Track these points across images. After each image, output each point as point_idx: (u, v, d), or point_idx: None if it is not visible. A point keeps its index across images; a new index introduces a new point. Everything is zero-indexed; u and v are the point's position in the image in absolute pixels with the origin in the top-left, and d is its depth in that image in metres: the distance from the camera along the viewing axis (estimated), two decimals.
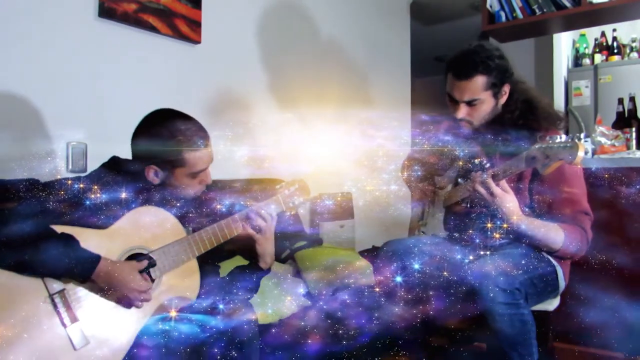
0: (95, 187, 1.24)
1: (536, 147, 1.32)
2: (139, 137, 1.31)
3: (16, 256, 1.05)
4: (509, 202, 1.42)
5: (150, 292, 1.20)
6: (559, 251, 1.48)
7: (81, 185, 1.24)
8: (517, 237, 1.53)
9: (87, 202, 1.21)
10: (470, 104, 1.57)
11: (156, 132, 1.29)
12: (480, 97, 1.55)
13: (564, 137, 1.27)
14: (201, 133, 1.33)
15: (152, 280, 1.24)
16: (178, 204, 1.34)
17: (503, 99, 1.60)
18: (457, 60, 1.58)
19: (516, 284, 1.40)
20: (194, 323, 1.16)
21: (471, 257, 1.53)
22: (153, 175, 1.30)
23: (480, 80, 1.53)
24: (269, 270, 1.45)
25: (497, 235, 1.58)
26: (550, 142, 1.28)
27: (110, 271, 1.13)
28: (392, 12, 3.54)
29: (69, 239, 1.11)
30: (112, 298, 1.17)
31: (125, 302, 1.17)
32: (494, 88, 1.56)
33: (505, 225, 1.48)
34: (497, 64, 1.54)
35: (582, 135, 1.26)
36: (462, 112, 1.58)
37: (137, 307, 1.19)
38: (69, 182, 1.26)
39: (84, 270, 1.10)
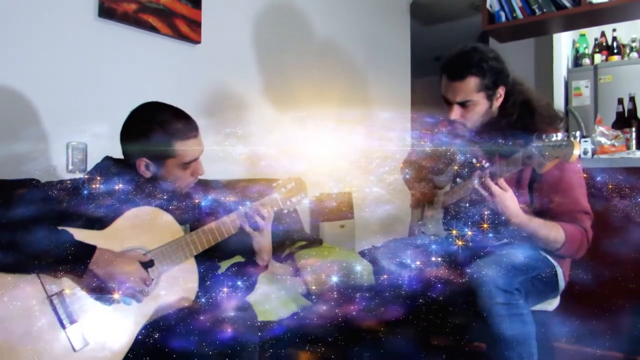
0: (91, 188, 1.24)
1: (533, 145, 1.31)
2: (127, 132, 1.31)
3: (14, 254, 1.04)
4: (508, 200, 1.41)
5: (151, 284, 1.19)
6: (560, 250, 1.48)
7: (77, 187, 1.24)
8: (517, 236, 1.53)
9: (84, 204, 1.21)
10: (463, 105, 1.55)
11: (143, 125, 1.29)
12: (473, 99, 1.54)
13: (560, 135, 1.26)
14: (189, 123, 1.32)
15: (151, 281, 1.23)
16: (172, 197, 1.34)
17: (498, 102, 1.59)
18: (450, 61, 1.56)
19: (516, 284, 1.39)
20: (192, 322, 1.16)
21: (471, 257, 1.53)
22: (144, 168, 1.30)
23: (472, 81, 1.52)
24: (266, 267, 1.46)
25: (497, 235, 1.58)
26: (547, 140, 1.27)
27: (107, 261, 1.12)
28: (392, 12, 3.54)
29: (63, 233, 1.10)
30: (111, 290, 1.14)
31: (126, 293, 1.15)
32: (488, 90, 1.54)
33: (504, 223, 1.48)
34: (491, 66, 1.53)
35: (577, 134, 1.25)
36: (455, 113, 1.56)
37: (138, 300, 1.17)
38: (67, 183, 1.26)
39: (81, 261, 1.09)
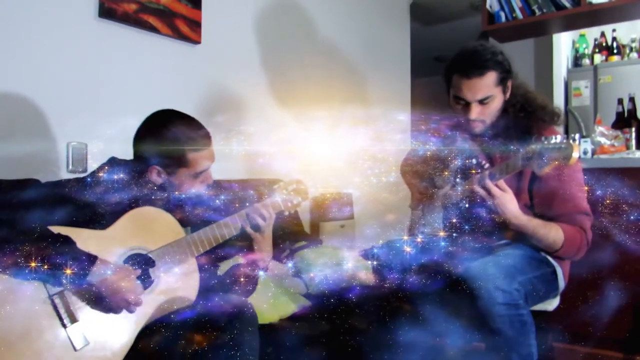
0: (95, 188, 1.25)
1: (532, 147, 1.31)
2: (142, 138, 1.32)
3: (14, 258, 1.04)
4: (507, 201, 1.42)
5: (141, 298, 1.18)
6: (559, 251, 1.48)
7: (81, 186, 1.24)
8: (517, 237, 1.54)
9: (87, 203, 1.21)
10: (482, 102, 1.53)
11: (159, 133, 1.30)
12: (493, 94, 1.53)
13: (559, 137, 1.26)
14: (204, 134, 1.34)
15: (152, 281, 1.24)
16: (174, 198, 1.34)
17: (507, 95, 1.59)
18: (464, 59, 1.54)
19: (515, 284, 1.40)
20: (193, 322, 1.16)
21: (470, 258, 1.53)
22: (156, 175, 1.31)
23: (491, 76, 1.51)
24: (266, 268, 1.46)
25: (497, 235, 1.58)
26: (546, 142, 1.27)
27: (106, 272, 1.12)
28: (392, 12, 3.54)
29: (66, 240, 1.11)
30: (104, 301, 1.14)
31: (117, 306, 1.15)
32: (503, 83, 1.54)
33: (504, 224, 1.48)
34: (502, 59, 1.54)
35: (576, 136, 1.26)
36: (475, 112, 1.54)
37: (130, 311, 1.17)
38: (69, 182, 1.27)
39: (81, 271, 1.09)
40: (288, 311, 1.70)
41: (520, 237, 1.53)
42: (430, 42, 4.55)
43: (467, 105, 1.55)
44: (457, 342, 1.64)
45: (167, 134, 1.29)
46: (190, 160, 1.30)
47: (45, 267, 1.06)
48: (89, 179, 1.28)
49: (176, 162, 1.30)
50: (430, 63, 4.94)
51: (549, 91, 3.56)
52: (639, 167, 2.09)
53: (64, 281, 1.10)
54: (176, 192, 1.33)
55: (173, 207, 1.35)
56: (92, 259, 1.11)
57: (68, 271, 1.08)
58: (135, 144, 1.33)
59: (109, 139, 1.70)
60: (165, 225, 1.30)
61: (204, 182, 1.37)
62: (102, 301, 1.14)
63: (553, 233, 1.46)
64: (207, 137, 1.35)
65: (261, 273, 1.45)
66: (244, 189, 1.70)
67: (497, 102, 1.55)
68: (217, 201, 1.42)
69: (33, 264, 1.06)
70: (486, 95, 1.52)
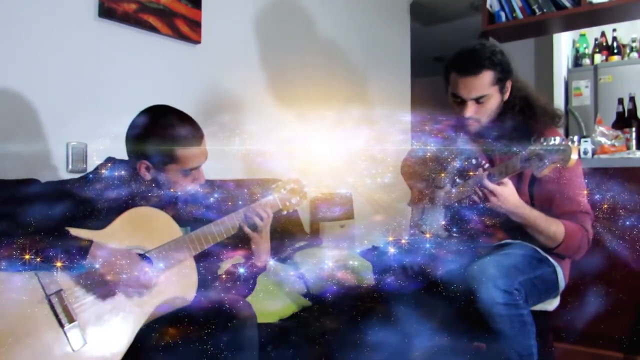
0: (91, 187, 1.24)
1: (530, 149, 1.31)
2: (132, 132, 1.31)
3: (11, 252, 1.04)
4: (508, 194, 1.41)
5: (151, 279, 1.17)
6: (560, 246, 1.48)
7: (78, 186, 1.24)
8: (517, 235, 1.53)
9: (83, 202, 1.21)
10: (478, 101, 1.54)
11: (149, 127, 1.29)
12: (488, 93, 1.53)
13: (558, 139, 1.26)
14: (194, 130, 1.32)
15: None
16: (172, 198, 1.34)
17: (506, 95, 1.59)
18: (461, 57, 1.56)
19: (516, 284, 1.40)
20: (191, 322, 1.16)
21: (470, 257, 1.53)
22: (145, 170, 1.30)
23: (487, 75, 1.52)
24: (264, 267, 1.46)
25: (497, 235, 1.58)
26: (545, 144, 1.27)
27: (105, 255, 1.12)
28: (392, 12, 3.54)
29: (60, 230, 1.10)
30: (110, 285, 1.14)
31: (127, 286, 1.14)
32: (500, 83, 1.55)
33: (505, 222, 1.48)
34: (501, 59, 1.54)
35: (575, 138, 1.26)
36: (470, 110, 1.55)
37: (140, 293, 1.16)
38: (67, 182, 1.27)
39: (78, 255, 1.08)
40: (288, 311, 1.71)
41: (520, 236, 1.53)
42: (430, 42, 4.54)
43: (463, 103, 1.56)
44: (457, 342, 1.64)
45: (156, 129, 1.28)
46: (179, 156, 1.28)
47: (42, 257, 1.06)
48: (85, 179, 1.28)
49: (165, 158, 1.28)
50: (430, 63, 4.94)
51: (549, 91, 3.56)
52: (639, 167, 2.09)
53: (62, 269, 1.09)
54: (168, 190, 1.32)
55: (169, 206, 1.35)
56: (87, 241, 1.11)
57: (64, 258, 1.08)
58: (127, 138, 1.32)
59: (109, 139, 1.69)
60: (162, 225, 1.29)
61: (195, 181, 1.35)
62: (108, 284, 1.13)
63: (554, 227, 1.46)
64: (198, 134, 1.33)
65: (252, 272, 1.44)
66: (242, 188, 1.70)
67: (493, 101, 1.56)
68: (215, 200, 1.42)
69: (29, 256, 1.05)
70: (481, 94, 1.53)
